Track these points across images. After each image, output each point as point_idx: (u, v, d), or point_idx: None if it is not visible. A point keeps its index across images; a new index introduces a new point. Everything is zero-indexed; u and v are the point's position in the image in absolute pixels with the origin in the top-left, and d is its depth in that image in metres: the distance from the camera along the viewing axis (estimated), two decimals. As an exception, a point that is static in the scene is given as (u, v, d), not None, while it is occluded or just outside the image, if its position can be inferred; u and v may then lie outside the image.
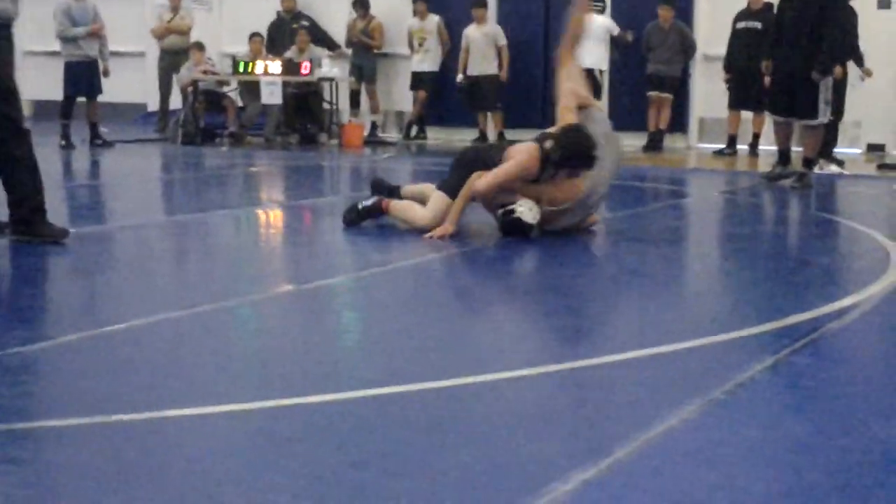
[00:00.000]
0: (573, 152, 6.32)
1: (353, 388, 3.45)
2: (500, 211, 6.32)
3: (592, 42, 13.44)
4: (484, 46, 14.14)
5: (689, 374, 3.70)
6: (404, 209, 6.62)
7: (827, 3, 9.14)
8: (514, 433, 3.07)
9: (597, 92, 13.64)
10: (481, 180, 6.31)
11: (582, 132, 6.43)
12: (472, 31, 14.20)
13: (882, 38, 11.16)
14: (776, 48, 9.49)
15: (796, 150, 9.77)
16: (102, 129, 13.12)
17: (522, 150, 6.44)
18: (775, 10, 9.96)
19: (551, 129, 6.62)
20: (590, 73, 13.53)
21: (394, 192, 7.05)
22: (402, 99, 15.34)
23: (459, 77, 14.27)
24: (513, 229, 6.27)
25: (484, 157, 6.67)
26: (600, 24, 13.51)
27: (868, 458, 2.92)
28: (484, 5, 14.32)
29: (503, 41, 14.17)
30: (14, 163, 5.93)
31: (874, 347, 4.30)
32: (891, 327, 4.61)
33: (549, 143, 6.32)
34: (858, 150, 12.69)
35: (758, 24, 11.85)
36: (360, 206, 6.70)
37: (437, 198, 6.51)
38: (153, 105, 15.84)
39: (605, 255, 6.05)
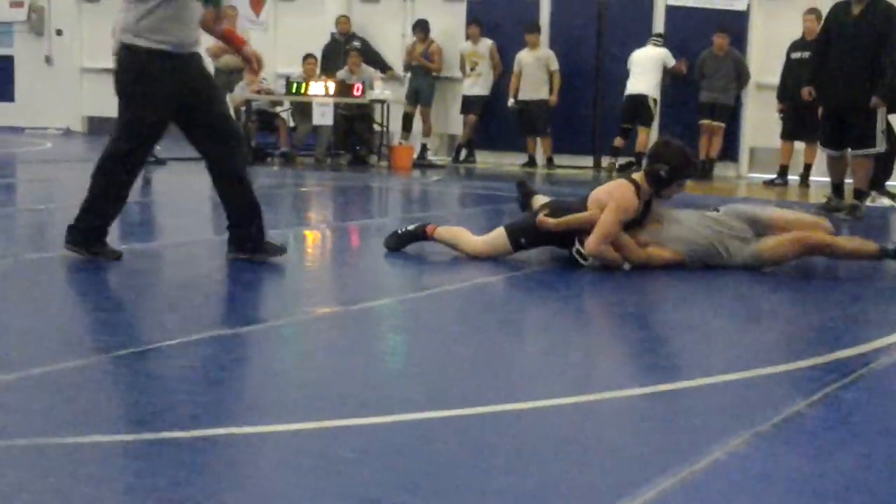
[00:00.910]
0: (679, 161, 6.27)
1: (401, 411, 3.46)
2: (576, 249, 6.25)
3: (647, 70, 13.48)
4: (536, 71, 14.19)
5: (737, 405, 3.68)
6: (455, 235, 6.56)
7: (886, 31, 9.04)
8: (558, 460, 3.07)
9: (649, 120, 13.66)
10: (591, 242, 6.10)
11: (674, 142, 6.48)
12: (524, 56, 14.25)
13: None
14: (825, 78, 9.36)
15: (849, 181, 9.67)
16: (155, 147, 13.26)
17: (616, 190, 6.25)
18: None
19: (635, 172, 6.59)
20: (644, 101, 13.57)
21: (529, 196, 7.24)
22: (454, 122, 15.40)
23: (511, 101, 14.32)
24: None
25: (573, 210, 6.37)
26: (655, 56, 13.52)
27: (916, 497, 2.89)
28: (537, 30, 14.37)
29: (555, 66, 14.20)
30: (102, 186, 6.01)
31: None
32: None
33: (653, 166, 6.25)
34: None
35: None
36: (399, 231, 6.67)
37: (498, 234, 6.44)
38: (207, 123, 15.99)
39: (654, 284, 6.02)
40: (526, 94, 14.23)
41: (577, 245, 6.24)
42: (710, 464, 3.03)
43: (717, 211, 6.50)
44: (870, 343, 4.57)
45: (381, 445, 3.16)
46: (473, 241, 6.48)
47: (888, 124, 9.82)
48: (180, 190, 11.25)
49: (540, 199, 7.10)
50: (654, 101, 13.59)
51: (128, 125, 6.04)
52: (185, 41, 5.87)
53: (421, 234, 6.59)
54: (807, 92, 9.89)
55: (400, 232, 6.66)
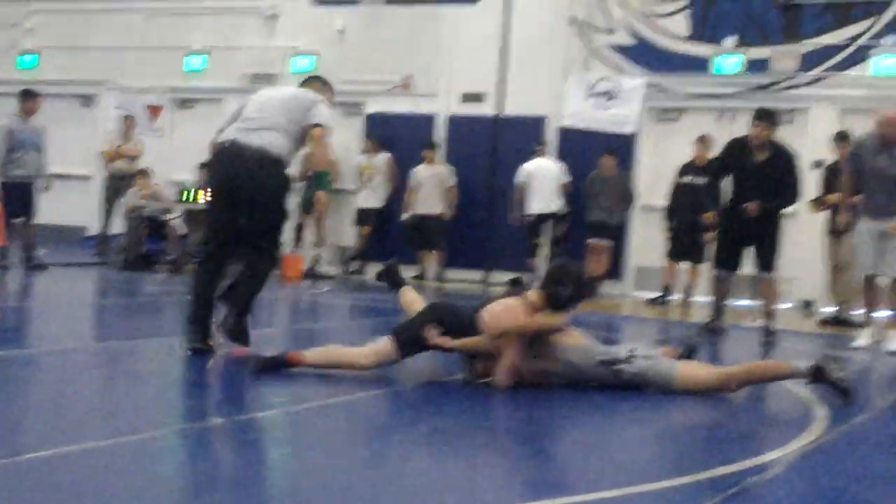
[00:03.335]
0: (579, 283, 6.42)
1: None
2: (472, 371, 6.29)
3: (551, 189, 13.79)
4: (432, 187, 14.42)
5: (609, 524, 3.69)
6: (333, 356, 6.34)
7: (786, 175, 9.41)
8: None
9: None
10: (502, 380, 6.07)
11: (572, 264, 6.78)
12: (421, 171, 14.47)
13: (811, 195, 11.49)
14: (735, 207, 9.55)
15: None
16: (40, 251, 13.05)
17: (516, 317, 6.20)
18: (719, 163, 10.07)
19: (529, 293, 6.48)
20: (565, 218, 13.86)
21: (401, 285, 7.33)
22: (345, 233, 15.47)
23: (405, 215, 14.47)
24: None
25: (459, 319, 6.33)
26: (555, 172, 13.84)
27: None
28: (434, 147, 14.62)
29: (452, 182, 14.46)
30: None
31: (794, 503, 4.32)
32: (811, 483, 4.64)
33: (556, 289, 6.28)
34: (789, 305, 12.93)
35: (702, 181, 12.05)
36: (260, 356, 6.27)
37: (385, 342, 6.29)
38: (94, 229, 15.82)
39: (530, 400, 6.06)
40: (422, 208, 14.41)
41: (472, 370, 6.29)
42: (579, 583, 3.03)
43: (629, 359, 6.38)
44: (741, 462, 4.64)
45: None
46: (356, 353, 6.33)
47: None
48: (61, 296, 11.04)
49: (409, 293, 7.22)
50: (560, 215, 13.91)
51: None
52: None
53: (283, 362, 6.22)
54: (711, 216, 10.18)
55: (262, 357, 6.26)
